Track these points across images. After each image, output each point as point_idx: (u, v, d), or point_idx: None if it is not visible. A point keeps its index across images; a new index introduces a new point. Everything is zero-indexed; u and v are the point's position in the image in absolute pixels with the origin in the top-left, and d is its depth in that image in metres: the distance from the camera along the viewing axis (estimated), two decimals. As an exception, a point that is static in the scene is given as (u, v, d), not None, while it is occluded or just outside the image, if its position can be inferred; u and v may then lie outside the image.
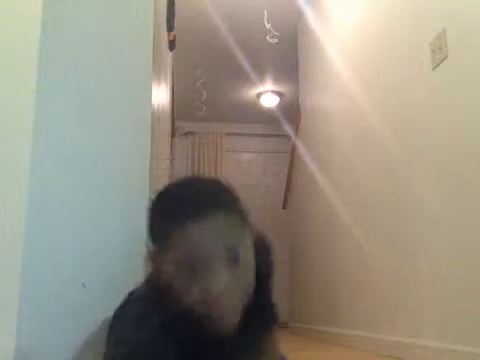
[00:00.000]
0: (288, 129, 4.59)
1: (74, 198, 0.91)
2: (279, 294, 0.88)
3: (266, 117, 5.71)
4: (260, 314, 0.70)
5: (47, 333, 0.69)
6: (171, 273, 0.64)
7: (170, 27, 2.44)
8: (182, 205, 0.66)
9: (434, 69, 1.80)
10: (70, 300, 0.73)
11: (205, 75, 4.59)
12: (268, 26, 3.57)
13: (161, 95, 2.25)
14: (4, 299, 0.81)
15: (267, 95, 5.31)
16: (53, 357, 0.68)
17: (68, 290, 0.73)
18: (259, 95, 5.34)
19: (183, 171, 5.69)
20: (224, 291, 0.62)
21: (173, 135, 4.22)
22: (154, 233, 0.67)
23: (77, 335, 0.74)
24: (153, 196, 0.70)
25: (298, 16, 3.93)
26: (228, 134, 6.04)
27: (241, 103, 5.57)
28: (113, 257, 0.96)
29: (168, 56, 2.81)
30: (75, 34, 0.98)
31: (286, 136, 4.85)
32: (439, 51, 1.75)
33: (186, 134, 5.90)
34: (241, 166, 6.07)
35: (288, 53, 4.24)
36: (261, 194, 5.85)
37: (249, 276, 0.66)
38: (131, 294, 0.74)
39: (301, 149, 3.94)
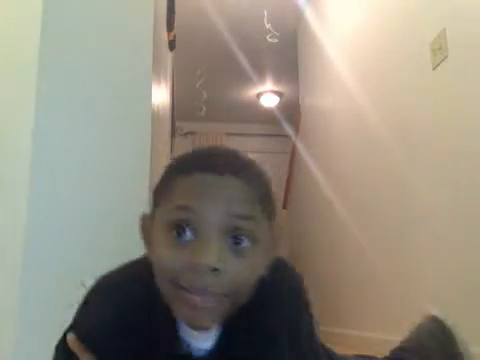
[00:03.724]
0: (288, 129, 4.58)
1: (74, 197, 0.91)
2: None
3: (266, 117, 5.70)
4: None
5: (46, 331, 0.69)
6: (158, 234, 0.52)
7: (170, 27, 2.43)
8: (203, 156, 0.55)
9: (434, 69, 1.79)
10: (69, 299, 0.73)
11: (205, 75, 4.59)
12: (268, 26, 3.57)
13: (161, 95, 2.25)
14: (4, 299, 0.81)
15: (267, 95, 5.31)
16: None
17: (67, 289, 0.73)
18: (259, 95, 5.34)
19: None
20: (209, 278, 0.48)
21: (173, 135, 4.22)
22: (153, 191, 0.56)
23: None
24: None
25: (298, 16, 3.93)
26: (228, 134, 6.03)
27: (241, 103, 5.56)
28: (112, 255, 0.96)
29: (168, 56, 2.81)
30: (75, 34, 0.98)
31: (286, 136, 4.85)
32: (439, 51, 1.75)
33: (186, 134, 5.90)
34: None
35: (288, 53, 4.24)
36: (261, 194, 5.83)
37: (251, 279, 0.52)
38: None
39: (301, 149, 3.94)
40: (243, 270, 0.50)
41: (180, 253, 0.49)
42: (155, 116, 1.68)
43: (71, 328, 0.58)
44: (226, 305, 0.50)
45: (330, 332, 2.91)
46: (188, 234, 0.50)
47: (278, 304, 0.56)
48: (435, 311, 1.24)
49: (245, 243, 0.51)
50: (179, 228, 0.50)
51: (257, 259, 0.52)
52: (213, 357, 0.55)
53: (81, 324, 0.57)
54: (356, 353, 1.18)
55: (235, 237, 0.50)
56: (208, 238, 0.49)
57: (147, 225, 0.56)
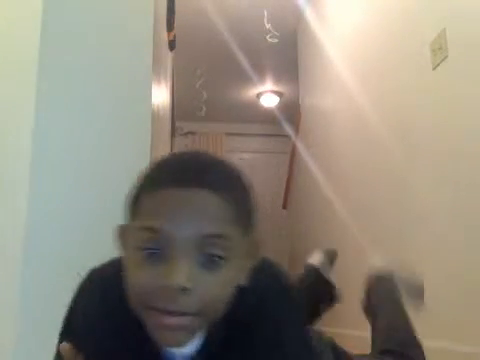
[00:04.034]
0: (288, 129, 4.59)
1: (74, 197, 0.91)
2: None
3: (266, 117, 5.70)
4: None
5: (46, 328, 0.69)
6: (129, 251, 0.51)
7: (170, 27, 2.43)
8: (172, 168, 0.52)
9: (434, 69, 1.79)
10: (69, 296, 0.73)
11: (205, 75, 4.59)
12: (268, 26, 3.57)
13: (161, 95, 2.25)
14: (5, 296, 0.81)
15: (267, 95, 5.31)
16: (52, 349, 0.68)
17: (67, 286, 0.73)
18: (259, 95, 5.34)
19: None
20: (180, 298, 0.47)
21: (173, 135, 4.22)
22: (126, 202, 0.54)
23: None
24: None
25: (298, 16, 3.93)
26: (228, 134, 6.04)
27: (241, 103, 5.56)
28: (112, 255, 0.96)
29: (168, 56, 2.81)
30: (75, 34, 0.98)
31: (286, 136, 4.85)
32: (439, 51, 1.75)
33: (186, 134, 5.90)
34: (241, 166, 6.05)
35: (288, 53, 4.24)
36: (261, 194, 5.83)
37: (224, 295, 0.51)
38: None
39: (301, 149, 3.94)
40: (214, 287, 0.49)
41: (150, 274, 0.48)
42: (155, 116, 1.68)
43: (63, 326, 0.58)
44: (199, 322, 0.50)
45: (330, 332, 2.91)
46: (157, 254, 0.48)
47: (264, 310, 0.56)
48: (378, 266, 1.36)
49: (216, 260, 0.49)
50: (148, 248, 0.49)
51: (230, 275, 0.50)
52: None
53: (71, 322, 0.58)
54: (358, 353, 1.19)
55: (206, 255, 0.49)
56: (177, 258, 0.47)
57: (123, 234, 0.55)
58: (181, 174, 0.50)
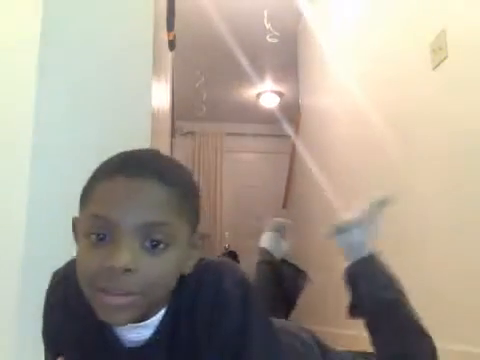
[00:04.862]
0: (288, 129, 4.58)
1: (73, 198, 0.91)
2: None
3: (266, 117, 5.70)
4: None
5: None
6: (80, 238, 0.55)
7: (170, 27, 2.43)
8: (120, 160, 0.56)
9: (434, 69, 1.79)
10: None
11: (205, 75, 4.59)
12: (268, 26, 3.57)
13: (161, 95, 2.25)
14: (4, 296, 0.81)
15: (267, 95, 5.31)
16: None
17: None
18: (259, 95, 5.34)
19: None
20: (122, 278, 0.50)
21: (173, 135, 4.21)
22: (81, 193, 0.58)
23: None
24: None
25: (298, 16, 3.93)
26: (228, 134, 6.03)
27: (241, 103, 5.56)
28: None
29: (168, 56, 2.81)
30: (75, 34, 0.98)
31: (286, 136, 4.84)
32: (439, 51, 1.75)
33: (186, 134, 5.90)
34: (241, 166, 6.06)
35: (288, 53, 4.24)
36: (261, 194, 5.84)
37: (165, 278, 0.54)
38: None
39: (301, 149, 3.94)
40: (156, 269, 0.52)
41: (97, 257, 0.51)
42: (155, 116, 1.68)
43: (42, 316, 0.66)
44: (141, 302, 0.52)
45: (329, 332, 2.91)
46: (103, 238, 0.52)
47: (225, 299, 0.58)
48: None
49: (159, 245, 0.52)
50: (95, 234, 0.52)
51: (172, 259, 0.53)
52: (145, 349, 0.58)
53: (47, 315, 0.66)
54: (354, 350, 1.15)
55: (149, 239, 0.52)
56: (121, 242, 0.51)
57: (76, 225, 0.59)
58: (128, 165, 0.54)
